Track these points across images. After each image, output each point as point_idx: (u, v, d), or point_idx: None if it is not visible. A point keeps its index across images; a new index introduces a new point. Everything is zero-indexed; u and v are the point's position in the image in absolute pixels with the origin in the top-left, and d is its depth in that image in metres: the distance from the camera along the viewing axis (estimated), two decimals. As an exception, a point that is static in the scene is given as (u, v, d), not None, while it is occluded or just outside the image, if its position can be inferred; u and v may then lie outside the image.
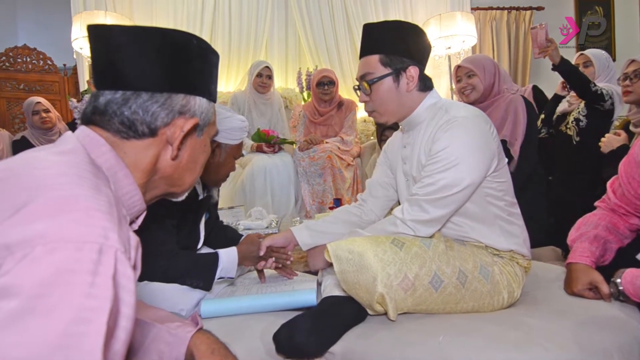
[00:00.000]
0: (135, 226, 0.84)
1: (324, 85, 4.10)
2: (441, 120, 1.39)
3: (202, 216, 1.69)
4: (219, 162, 1.61)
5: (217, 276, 1.52)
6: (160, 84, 0.80)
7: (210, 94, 0.89)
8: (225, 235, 1.91)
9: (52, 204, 0.59)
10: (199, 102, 0.85)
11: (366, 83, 1.48)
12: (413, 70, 1.46)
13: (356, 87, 1.56)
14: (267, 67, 4.15)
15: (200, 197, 1.64)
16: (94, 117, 0.79)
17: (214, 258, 1.53)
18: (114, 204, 0.65)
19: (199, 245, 1.69)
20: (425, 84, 1.51)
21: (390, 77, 1.46)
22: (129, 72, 0.78)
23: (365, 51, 1.51)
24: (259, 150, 4.01)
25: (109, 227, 0.60)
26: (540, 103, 3.26)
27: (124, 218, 0.68)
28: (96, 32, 0.81)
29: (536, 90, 3.62)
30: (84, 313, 0.53)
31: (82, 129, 0.78)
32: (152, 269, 1.37)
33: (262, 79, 4.13)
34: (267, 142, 3.99)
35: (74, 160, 0.69)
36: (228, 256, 1.55)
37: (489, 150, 1.37)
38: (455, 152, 1.33)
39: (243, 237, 1.76)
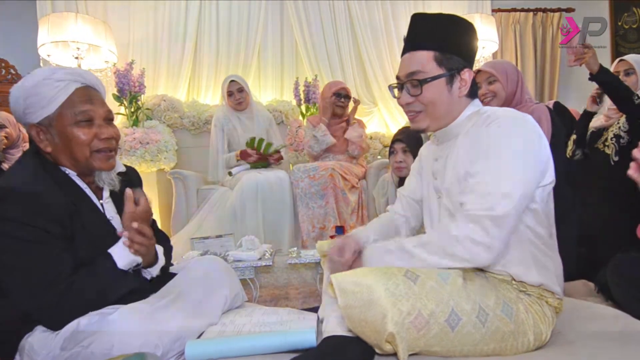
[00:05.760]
0: None
1: (340, 97, 4.26)
2: (484, 123, 1.42)
3: (98, 212, 1.63)
4: (64, 141, 1.54)
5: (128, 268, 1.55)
6: None
7: None
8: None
9: None
10: None
11: (417, 82, 1.50)
12: (468, 74, 1.51)
13: (394, 85, 1.59)
14: (232, 81, 4.26)
15: (84, 189, 1.60)
16: None
17: (107, 258, 1.51)
18: None
19: None
20: (473, 90, 1.55)
21: (444, 79, 1.50)
22: None
23: (415, 45, 1.53)
24: (244, 157, 4.08)
25: None
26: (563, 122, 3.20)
27: None
28: None
29: (558, 108, 3.57)
30: None
31: None
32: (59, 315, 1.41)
33: (234, 95, 4.25)
34: (257, 150, 4.06)
35: None
36: (118, 250, 1.54)
37: (540, 158, 1.39)
38: (507, 161, 1.33)
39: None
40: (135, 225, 1.53)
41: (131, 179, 1.84)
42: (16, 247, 1.38)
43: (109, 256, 1.52)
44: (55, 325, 1.43)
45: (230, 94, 4.26)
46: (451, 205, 1.52)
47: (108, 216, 1.64)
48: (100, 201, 1.64)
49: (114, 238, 1.57)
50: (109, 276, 1.49)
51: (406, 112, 1.61)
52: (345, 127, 4.34)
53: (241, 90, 4.25)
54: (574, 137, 3.06)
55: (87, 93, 1.55)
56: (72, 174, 1.57)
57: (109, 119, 1.61)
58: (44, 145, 1.53)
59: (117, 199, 1.68)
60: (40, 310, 1.40)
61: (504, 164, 1.33)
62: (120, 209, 1.65)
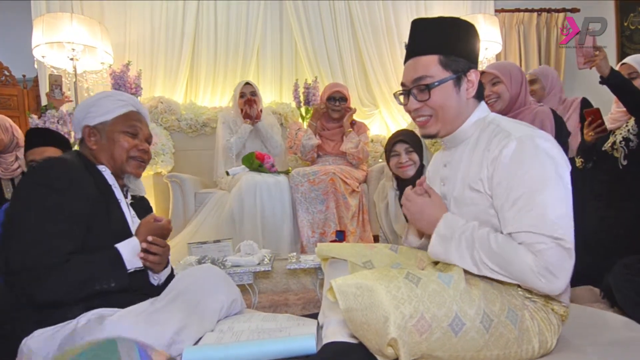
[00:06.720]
0: None
1: (335, 100, 4.26)
2: (496, 137, 1.43)
3: (121, 209, 1.81)
4: (109, 143, 1.83)
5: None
6: None
7: None
8: None
9: None
10: None
11: (425, 87, 1.52)
12: (474, 75, 1.53)
13: (399, 92, 1.62)
14: (247, 84, 4.36)
15: (114, 187, 1.82)
16: None
17: (114, 252, 1.65)
18: None
19: None
20: (479, 91, 1.57)
21: (451, 82, 1.52)
22: None
23: (419, 51, 1.56)
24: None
25: None
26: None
27: None
28: None
29: (585, 104, 3.50)
30: None
31: None
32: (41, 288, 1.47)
33: (246, 97, 4.31)
34: (257, 170, 4.04)
35: None
36: (129, 246, 1.69)
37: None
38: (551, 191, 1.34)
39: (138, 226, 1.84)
40: (150, 238, 1.75)
41: (144, 203, 2.07)
42: (36, 208, 1.55)
43: (115, 249, 1.64)
44: (33, 291, 1.48)
45: (242, 95, 4.31)
46: (460, 214, 1.54)
47: (129, 214, 1.86)
48: (126, 200, 1.89)
49: (129, 233, 1.78)
50: (104, 267, 1.59)
51: (414, 118, 1.63)
52: (344, 131, 4.35)
53: (254, 93, 4.32)
54: (580, 159, 3.01)
55: (139, 116, 1.91)
56: (107, 172, 1.82)
57: (148, 140, 1.95)
58: (91, 143, 1.83)
59: (135, 206, 1.95)
60: (24, 272, 1.47)
61: (550, 195, 1.33)
62: (137, 215, 1.92)
